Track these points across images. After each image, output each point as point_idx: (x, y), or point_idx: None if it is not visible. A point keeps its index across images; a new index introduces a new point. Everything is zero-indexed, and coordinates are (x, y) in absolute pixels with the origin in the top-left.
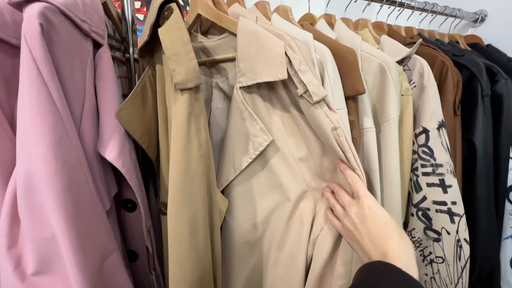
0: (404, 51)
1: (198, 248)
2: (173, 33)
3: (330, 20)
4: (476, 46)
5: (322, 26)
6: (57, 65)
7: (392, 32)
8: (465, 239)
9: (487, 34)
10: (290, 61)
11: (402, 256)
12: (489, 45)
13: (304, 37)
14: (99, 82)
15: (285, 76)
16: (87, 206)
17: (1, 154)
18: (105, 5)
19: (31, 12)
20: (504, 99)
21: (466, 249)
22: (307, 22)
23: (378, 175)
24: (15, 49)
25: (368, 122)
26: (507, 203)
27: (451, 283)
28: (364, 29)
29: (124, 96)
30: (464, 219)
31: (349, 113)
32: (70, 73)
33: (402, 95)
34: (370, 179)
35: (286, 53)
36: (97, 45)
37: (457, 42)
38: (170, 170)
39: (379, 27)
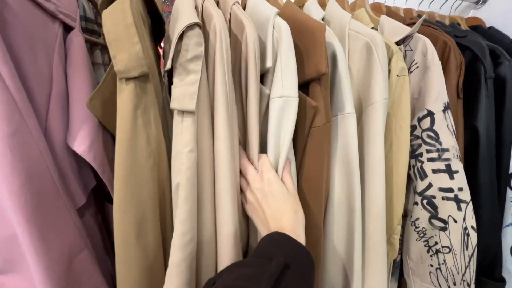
0: (405, 29)
1: (147, 251)
2: (116, 15)
3: (323, 1)
4: (478, 28)
5: (311, 5)
6: (13, 48)
7: (391, 13)
8: (472, 227)
9: (489, 16)
10: (178, 49)
11: (295, 228)
12: (491, 27)
13: (267, 13)
14: (69, 68)
15: (169, 66)
16: (52, 202)
17: None
18: None
19: None
20: (507, 82)
21: (473, 237)
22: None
23: (357, 163)
24: None
25: (347, 107)
26: (508, 190)
27: (458, 273)
28: (360, 9)
29: None
30: (471, 205)
31: (312, 98)
32: (31, 58)
33: (397, 75)
34: (349, 167)
35: (182, 36)
36: (68, 29)
37: (458, 24)
38: (115, 169)
39: (377, 9)
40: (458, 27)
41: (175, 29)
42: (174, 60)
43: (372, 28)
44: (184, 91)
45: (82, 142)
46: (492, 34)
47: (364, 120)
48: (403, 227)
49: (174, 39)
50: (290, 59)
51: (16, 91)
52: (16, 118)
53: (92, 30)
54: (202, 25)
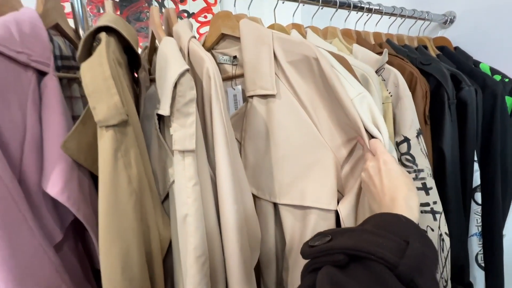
0: (377, 61)
1: (133, 282)
2: (94, 69)
3: (300, 30)
4: (444, 49)
5: (296, 36)
6: None
7: (361, 40)
8: (445, 233)
9: (456, 35)
10: (174, 97)
11: (408, 203)
12: (456, 48)
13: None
14: (44, 112)
15: (167, 113)
16: (27, 245)
17: None
18: (58, 27)
19: None
20: (468, 106)
21: (447, 241)
22: None
23: None
24: None
25: None
26: (472, 203)
27: (437, 272)
28: (335, 38)
29: None
30: (443, 215)
31: None
32: (3, 108)
33: (383, 103)
34: None
35: (176, 85)
36: (43, 72)
37: (425, 47)
38: (99, 208)
39: (348, 35)
40: (425, 52)
41: (166, 76)
42: (170, 106)
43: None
44: (184, 134)
45: (55, 184)
46: (456, 56)
47: None
48: None
49: (169, 87)
50: (346, 71)
51: None
52: None
53: (69, 66)
54: (190, 68)
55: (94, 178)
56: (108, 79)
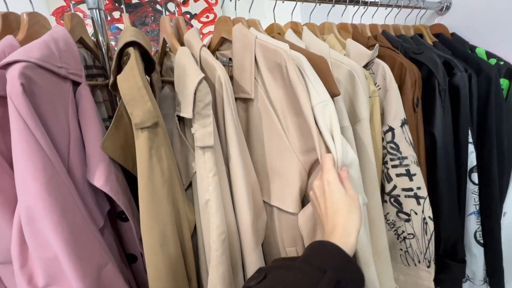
0: (367, 55)
1: (171, 256)
2: (129, 80)
3: (296, 28)
4: (440, 36)
5: (290, 36)
6: (41, 114)
7: (357, 34)
8: (429, 217)
9: (453, 21)
10: (194, 102)
11: (347, 229)
12: (453, 34)
13: (282, 47)
14: (82, 118)
15: (190, 116)
16: (81, 228)
17: (4, 191)
18: (82, 40)
19: (13, 74)
20: (461, 91)
21: (430, 225)
22: (275, 33)
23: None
24: (4, 99)
25: (345, 121)
26: (469, 183)
27: (421, 253)
28: (330, 34)
29: (109, 118)
30: (427, 200)
31: None
32: (53, 117)
33: (370, 97)
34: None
35: (195, 92)
36: (76, 83)
37: (421, 35)
38: (139, 196)
39: (344, 29)
40: (420, 40)
41: (186, 83)
42: (193, 110)
43: (344, 54)
44: (204, 132)
45: (100, 178)
46: (452, 42)
47: (355, 133)
48: None
49: (190, 93)
50: (316, 76)
51: (47, 148)
52: (50, 168)
53: (92, 74)
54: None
55: (125, 173)
56: (141, 89)
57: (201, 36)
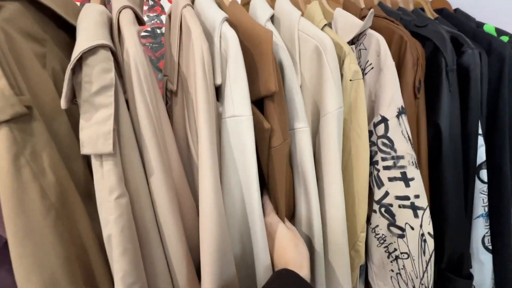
0: (357, 26)
1: None
2: None
3: None
4: (443, 11)
5: (258, 2)
6: None
7: (348, 3)
8: (429, 233)
9: None
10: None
11: (296, 260)
12: (457, 9)
13: (214, 19)
14: None
15: (63, 106)
16: None
17: None
18: None
19: None
20: (471, 71)
21: (430, 243)
22: None
23: (314, 179)
24: None
25: (299, 122)
26: (477, 182)
27: (417, 278)
28: (314, 2)
29: None
30: (427, 212)
31: (267, 116)
32: None
33: (351, 80)
34: (305, 182)
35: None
36: None
37: (423, 9)
38: (7, 234)
39: None
40: (421, 14)
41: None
42: (76, 96)
43: (325, 25)
44: (96, 132)
45: None
46: (457, 18)
47: (320, 131)
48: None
49: (68, 70)
50: (240, 74)
51: None
52: None
53: None
54: (116, 45)
55: None
56: None
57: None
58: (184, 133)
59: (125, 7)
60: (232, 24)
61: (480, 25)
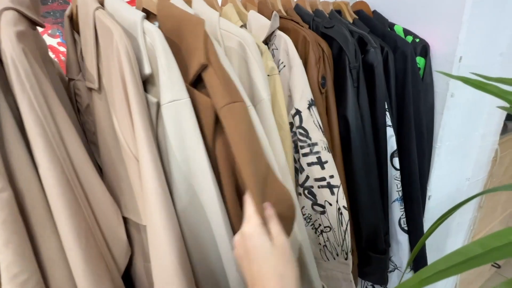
0: (267, 27)
1: None
2: None
3: None
4: (360, 14)
5: (177, 2)
6: None
7: (263, 6)
8: (343, 206)
9: None
10: None
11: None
12: (374, 11)
13: (133, 19)
14: None
15: None
16: None
17: None
18: None
19: None
20: (375, 68)
21: (345, 215)
22: None
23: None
24: None
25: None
26: (391, 169)
27: (338, 245)
28: (228, 4)
29: None
30: (341, 188)
31: (210, 88)
32: None
33: (268, 75)
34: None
35: None
36: None
37: (339, 12)
38: None
39: (251, 1)
40: (335, 16)
41: None
42: None
43: (241, 26)
44: None
45: None
46: (371, 19)
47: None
48: None
49: None
50: (171, 61)
51: None
52: None
53: None
54: None
55: None
56: None
57: None
58: (111, 129)
59: (6, 8)
60: (162, 18)
61: (392, 25)
